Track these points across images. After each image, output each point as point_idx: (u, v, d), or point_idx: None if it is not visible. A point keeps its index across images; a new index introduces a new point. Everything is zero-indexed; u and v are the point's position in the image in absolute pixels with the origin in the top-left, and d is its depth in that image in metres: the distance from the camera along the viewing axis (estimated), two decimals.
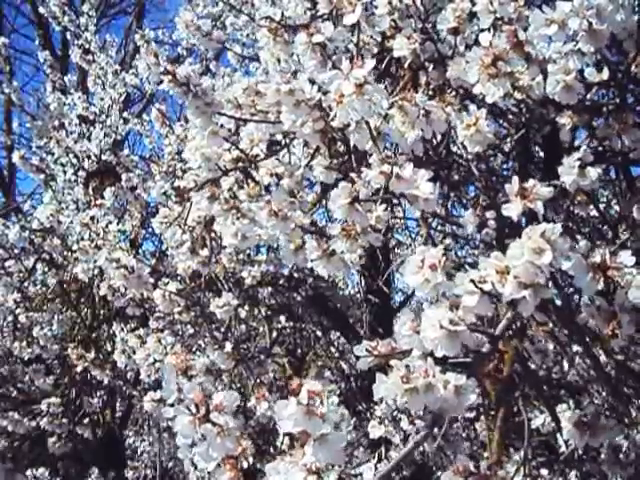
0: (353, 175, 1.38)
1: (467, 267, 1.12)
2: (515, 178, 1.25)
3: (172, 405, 1.03)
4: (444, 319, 1.07)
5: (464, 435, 3.27)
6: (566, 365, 2.10)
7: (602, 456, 1.76)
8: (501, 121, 2.07)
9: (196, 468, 0.99)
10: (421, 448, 3.29)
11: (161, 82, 1.76)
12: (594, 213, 2.11)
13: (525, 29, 1.35)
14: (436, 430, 2.87)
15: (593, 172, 1.35)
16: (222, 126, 1.85)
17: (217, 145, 1.84)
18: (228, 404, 0.99)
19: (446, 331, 1.07)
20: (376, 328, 3.74)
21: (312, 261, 1.53)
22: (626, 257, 1.12)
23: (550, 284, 1.60)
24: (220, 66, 4.22)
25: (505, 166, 2.47)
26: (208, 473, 0.98)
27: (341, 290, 4.64)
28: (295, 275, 3.80)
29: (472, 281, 1.05)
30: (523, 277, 1.05)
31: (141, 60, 1.72)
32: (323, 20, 1.59)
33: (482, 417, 2.76)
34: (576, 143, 1.81)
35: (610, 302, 1.16)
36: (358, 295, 4.49)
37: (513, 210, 1.24)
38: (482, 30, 1.40)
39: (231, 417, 0.98)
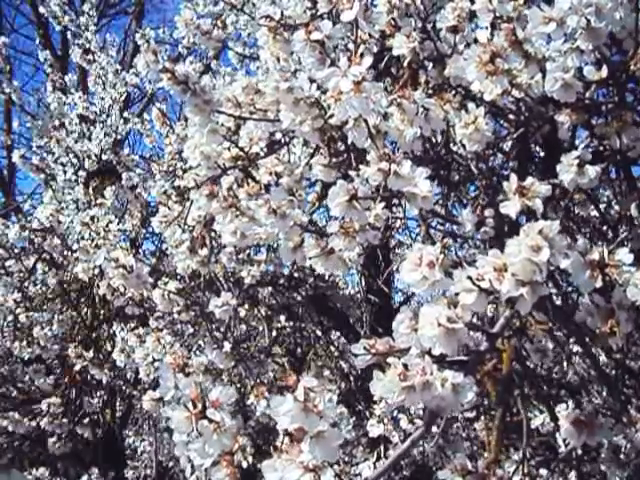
0: (352, 173, 1.38)
1: (465, 265, 1.11)
2: (513, 176, 1.25)
3: (169, 403, 1.03)
4: (442, 317, 1.07)
5: (464, 435, 3.27)
6: (565, 364, 2.10)
7: (603, 455, 1.75)
8: (501, 120, 2.06)
9: (193, 465, 0.99)
10: (421, 448, 3.30)
11: (160, 80, 1.76)
12: (595, 213, 2.11)
13: (524, 27, 1.35)
14: (436, 430, 2.88)
15: (591, 171, 1.35)
16: (222, 125, 1.85)
17: (216, 143, 1.84)
18: (225, 400, 0.99)
19: (444, 329, 1.07)
20: (376, 328, 3.74)
21: (310, 259, 1.53)
22: (624, 255, 1.12)
23: (549, 283, 1.60)
24: (221, 65, 4.21)
25: (506, 165, 2.47)
26: (205, 470, 0.98)
27: (341, 290, 4.64)
28: (295, 275, 3.80)
29: (469, 278, 1.04)
30: (521, 274, 1.04)
31: (140, 58, 1.72)
32: (323, 19, 1.59)
33: (482, 417, 2.76)
34: (577, 142, 1.81)
35: (608, 300, 1.16)
36: (358, 295, 4.49)
37: (511, 208, 1.24)
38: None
39: (228, 414, 0.98)
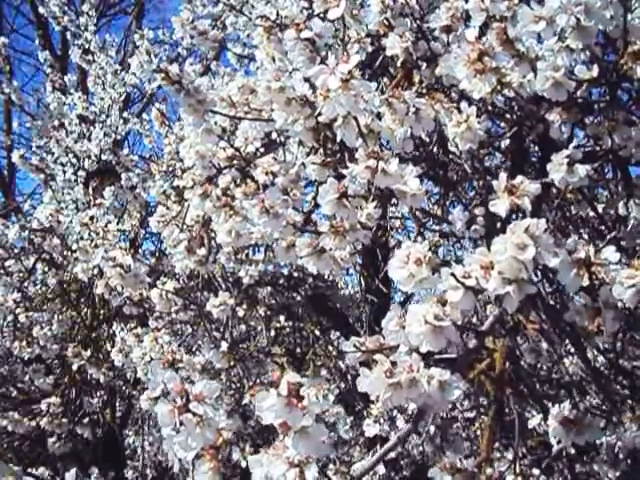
0: (343, 171, 1.38)
1: (453, 263, 1.11)
2: (503, 174, 1.25)
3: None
4: (429, 314, 1.07)
5: (464, 435, 3.27)
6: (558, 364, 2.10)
7: (601, 455, 1.75)
8: (496, 119, 2.06)
9: (180, 460, 0.99)
10: (421, 448, 3.30)
11: (154, 80, 1.77)
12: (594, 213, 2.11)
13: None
14: (435, 430, 2.86)
15: (582, 169, 1.35)
16: (218, 125, 1.85)
17: (211, 143, 1.84)
18: (208, 394, 0.99)
19: (431, 326, 1.08)
20: (375, 328, 3.73)
21: (302, 258, 1.53)
22: (610, 253, 1.12)
23: (544, 282, 1.60)
24: (220, 66, 4.21)
25: (503, 164, 2.46)
26: (192, 464, 0.98)
27: (340, 290, 4.64)
28: (294, 275, 3.80)
29: (453, 275, 1.05)
30: (507, 272, 1.04)
31: (134, 59, 1.72)
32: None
33: (480, 416, 2.76)
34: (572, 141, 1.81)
35: (595, 299, 1.16)
36: (358, 295, 4.49)
37: (501, 206, 1.24)
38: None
39: (211, 407, 0.98)
